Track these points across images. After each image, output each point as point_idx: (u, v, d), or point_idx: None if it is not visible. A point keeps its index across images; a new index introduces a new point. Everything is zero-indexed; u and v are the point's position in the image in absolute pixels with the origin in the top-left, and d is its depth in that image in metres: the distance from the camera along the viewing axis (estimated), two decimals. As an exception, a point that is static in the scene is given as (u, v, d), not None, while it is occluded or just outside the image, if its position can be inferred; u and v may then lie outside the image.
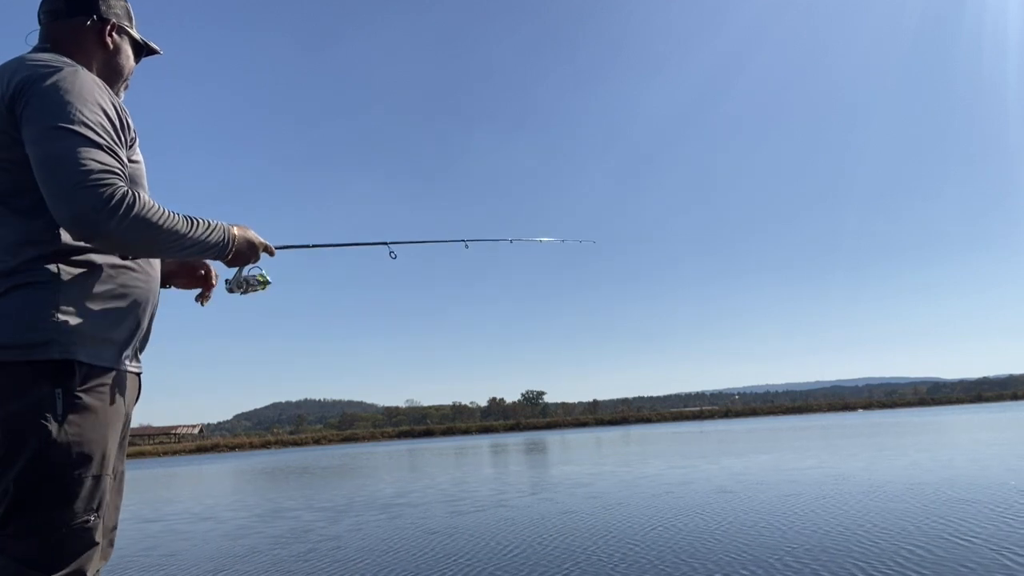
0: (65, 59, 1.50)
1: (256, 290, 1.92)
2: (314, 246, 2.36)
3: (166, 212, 1.45)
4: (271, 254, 1.85)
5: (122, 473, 1.65)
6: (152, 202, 1.43)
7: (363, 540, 6.36)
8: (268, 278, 1.92)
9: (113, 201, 1.34)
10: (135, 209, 1.37)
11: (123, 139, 1.50)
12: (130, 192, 1.38)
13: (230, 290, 1.90)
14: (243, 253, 1.70)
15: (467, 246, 3.09)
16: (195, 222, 1.52)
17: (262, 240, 1.78)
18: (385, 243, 2.52)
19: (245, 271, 1.87)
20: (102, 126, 1.42)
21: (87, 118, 1.39)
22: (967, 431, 19.44)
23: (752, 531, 5.54)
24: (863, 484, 8.11)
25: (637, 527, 6.08)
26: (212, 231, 1.56)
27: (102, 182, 1.34)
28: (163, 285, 1.89)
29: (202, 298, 1.95)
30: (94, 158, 1.36)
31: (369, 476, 16.17)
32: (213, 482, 18.89)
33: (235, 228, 1.66)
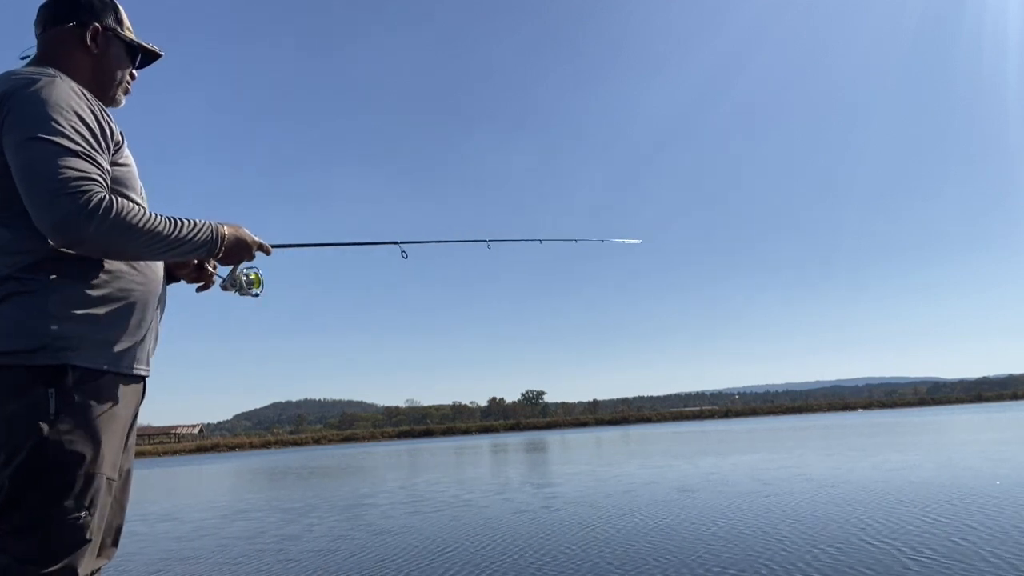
0: (47, 70, 1.52)
1: (252, 290, 1.89)
2: (316, 245, 2.22)
3: (147, 214, 1.46)
4: (267, 252, 1.83)
5: (129, 472, 1.67)
6: (132, 205, 1.44)
7: (309, 542, 6.43)
8: (263, 277, 1.90)
9: (90, 206, 1.36)
10: (112, 213, 1.38)
11: (103, 145, 1.50)
12: (107, 197, 1.40)
13: (224, 288, 1.88)
14: (235, 252, 1.70)
15: (489, 246, 2.88)
16: (179, 222, 1.52)
17: (256, 238, 1.77)
18: (396, 243, 2.34)
19: (240, 270, 1.85)
20: (79, 133, 1.43)
21: (63, 126, 1.41)
22: (958, 432, 19.42)
23: (676, 530, 5.60)
24: (817, 483, 8.18)
25: (572, 527, 6.14)
26: (199, 231, 1.57)
27: (79, 189, 1.36)
28: (172, 280, 1.91)
29: (200, 287, 1.92)
30: (71, 166, 1.38)
31: (352, 477, 16.26)
32: (197, 483, 18.95)
33: (225, 227, 1.65)
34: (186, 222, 1.55)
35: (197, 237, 1.56)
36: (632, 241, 4.35)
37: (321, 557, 5.56)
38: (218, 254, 1.64)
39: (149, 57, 1.84)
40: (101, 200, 1.38)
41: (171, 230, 1.50)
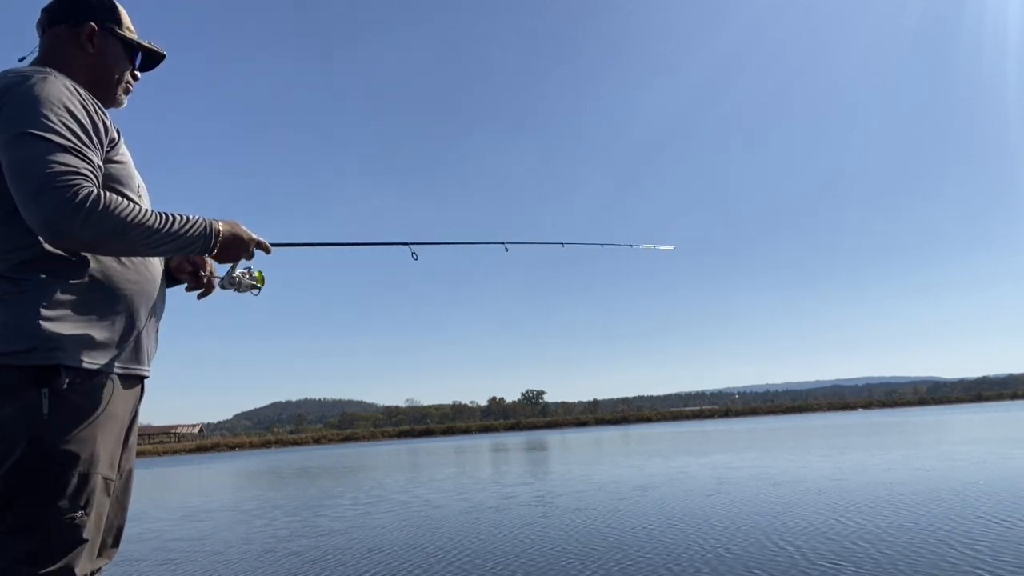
0: (42, 68, 1.51)
1: (251, 288, 1.85)
2: (322, 244, 2.13)
3: (136, 210, 1.44)
4: (267, 251, 1.79)
5: (130, 472, 1.66)
6: (120, 200, 1.42)
7: (253, 544, 6.52)
8: (263, 275, 1.85)
9: (76, 201, 1.34)
10: (100, 207, 1.36)
11: (96, 141, 1.49)
12: (95, 192, 1.38)
13: (222, 287, 1.84)
14: (231, 249, 1.67)
15: (507, 249, 2.80)
16: (170, 218, 1.50)
17: (254, 236, 1.73)
18: (407, 243, 2.24)
19: (239, 268, 1.81)
20: (69, 129, 1.42)
21: (53, 122, 1.40)
22: (947, 432, 19.42)
23: (602, 529, 5.66)
24: (769, 482, 8.25)
25: (508, 527, 6.20)
26: (191, 226, 1.53)
27: (66, 184, 1.34)
28: (174, 282, 1.88)
29: (200, 294, 1.89)
30: (59, 161, 1.36)
31: (332, 477, 16.35)
32: (178, 483, 18.97)
33: (220, 223, 1.62)
34: (178, 217, 1.52)
35: (190, 232, 1.53)
36: (665, 247, 4.11)
37: (257, 559, 5.64)
38: (213, 250, 1.60)
39: (153, 59, 1.83)
40: (88, 195, 1.36)
41: (162, 225, 1.47)
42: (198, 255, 1.62)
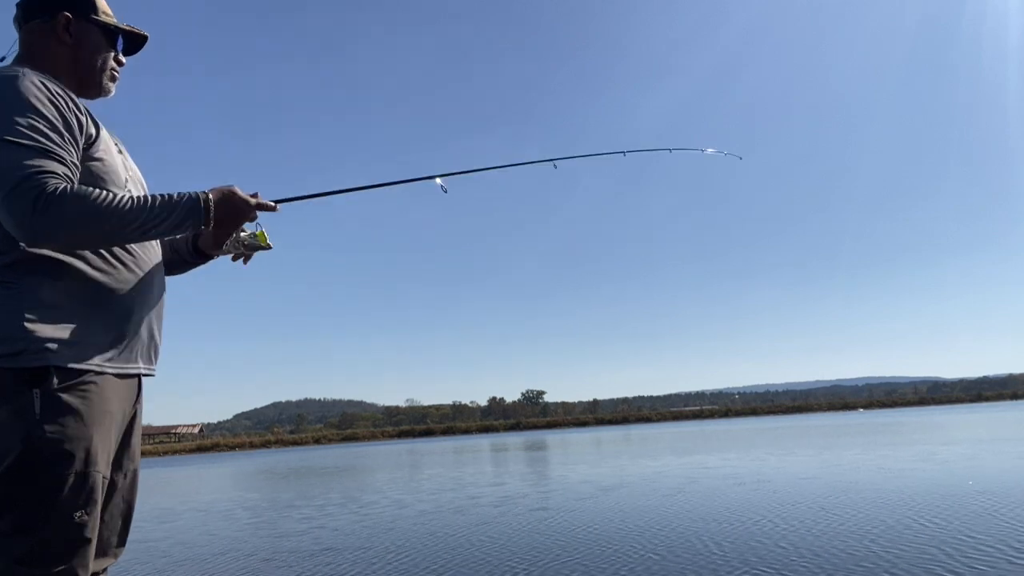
0: (14, 67, 1.49)
1: (257, 250, 1.79)
2: (332, 192, 2.06)
3: (109, 197, 1.41)
4: (272, 210, 1.72)
5: (134, 471, 1.66)
6: (91, 191, 1.40)
7: (207, 546, 6.60)
8: (265, 234, 1.77)
9: (44, 200, 1.33)
10: (67, 202, 1.35)
11: (69, 138, 1.46)
12: (62, 187, 1.36)
13: (227, 252, 1.78)
14: (230, 216, 1.61)
15: (555, 166, 2.87)
16: (150, 199, 1.46)
17: (248, 197, 1.64)
18: (433, 177, 2.28)
19: (242, 232, 1.75)
20: (38, 130, 1.40)
21: (20, 124, 1.39)
22: (935, 432, 19.39)
23: (551, 527, 5.70)
24: (734, 482, 8.29)
25: (464, 528, 6.25)
26: (176, 203, 1.49)
27: (32, 184, 1.34)
28: (206, 259, 1.85)
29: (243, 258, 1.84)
30: (28, 163, 1.36)
31: (319, 478, 16.40)
32: (164, 485, 18.96)
33: (210, 192, 1.56)
34: (160, 197, 1.47)
35: (176, 210, 1.49)
36: (732, 155, 4.48)
37: (209, 560, 5.68)
38: (209, 223, 1.55)
39: (136, 42, 1.77)
40: (54, 191, 1.35)
41: (140, 207, 1.44)
42: (195, 232, 1.55)
